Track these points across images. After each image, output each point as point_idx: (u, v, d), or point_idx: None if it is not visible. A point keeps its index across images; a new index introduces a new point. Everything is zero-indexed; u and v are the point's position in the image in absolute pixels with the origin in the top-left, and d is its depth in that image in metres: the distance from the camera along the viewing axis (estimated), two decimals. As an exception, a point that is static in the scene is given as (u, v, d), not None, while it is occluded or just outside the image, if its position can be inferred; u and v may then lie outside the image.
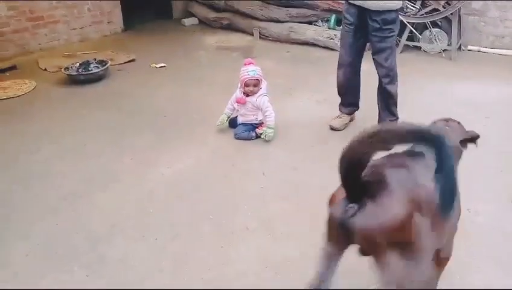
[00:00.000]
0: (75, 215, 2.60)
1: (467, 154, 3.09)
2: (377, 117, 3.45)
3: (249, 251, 2.29)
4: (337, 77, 3.54)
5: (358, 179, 1.33)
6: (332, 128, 3.55)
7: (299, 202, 2.67)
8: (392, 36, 3.16)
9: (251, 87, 3.41)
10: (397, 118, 3.38)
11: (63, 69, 4.84)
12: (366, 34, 3.22)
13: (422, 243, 1.36)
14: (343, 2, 3.35)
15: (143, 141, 3.47)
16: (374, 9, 3.04)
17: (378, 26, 3.08)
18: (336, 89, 3.62)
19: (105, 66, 4.90)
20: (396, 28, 3.17)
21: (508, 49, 5.46)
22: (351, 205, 1.34)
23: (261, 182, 2.89)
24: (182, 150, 3.32)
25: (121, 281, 2.11)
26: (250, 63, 3.46)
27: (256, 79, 3.41)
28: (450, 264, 2.12)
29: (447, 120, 1.88)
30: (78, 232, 2.45)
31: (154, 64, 5.30)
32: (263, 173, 3.00)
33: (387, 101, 3.33)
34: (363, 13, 3.11)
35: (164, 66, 5.28)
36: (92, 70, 4.84)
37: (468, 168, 2.96)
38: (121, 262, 2.24)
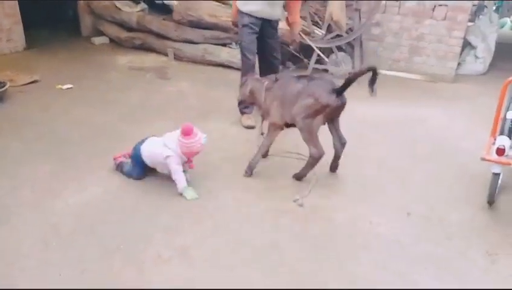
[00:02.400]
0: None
1: (369, 170, 3.37)
2: None
3: (162, 280, 2.22)
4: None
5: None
6: (249, 127, 4.08)
7: (212, 226, 2.67)
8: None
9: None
10: None
11: (-48, 91, 4.37)
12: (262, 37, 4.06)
13: None
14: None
15: (45, 170, 3.22)
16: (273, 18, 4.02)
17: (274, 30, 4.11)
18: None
19: (4, 88, 4.51)
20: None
21: (402, 71, 6.06)
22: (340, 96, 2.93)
23: (174, 209, 2.84)
24: (88, 179, 3.13)
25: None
26: (192, 131, 2.88)
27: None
28: (353, 277, 2.26)
29: None
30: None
31: (60, 86, 5.00)
32: (174, 199, 2.94)
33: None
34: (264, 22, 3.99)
35: (71, 88, 5.00)
36: (-13, 92, 4.43)
37: (370, 184, 3.23)
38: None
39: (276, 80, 3.22)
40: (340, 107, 2.99)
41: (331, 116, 3.05)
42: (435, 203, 3.02)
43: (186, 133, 2.86)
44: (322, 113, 2.95)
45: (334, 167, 3.33)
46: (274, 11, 4.02)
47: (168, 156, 2.91)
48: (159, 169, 3.11)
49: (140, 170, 3.11)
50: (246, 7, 3.92)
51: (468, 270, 2.39)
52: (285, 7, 4.28)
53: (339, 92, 2.91)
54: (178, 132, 2.94)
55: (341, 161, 3.34)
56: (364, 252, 2.50)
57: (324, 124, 3.08)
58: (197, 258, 2.39)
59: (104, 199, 2.91)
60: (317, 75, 3.29)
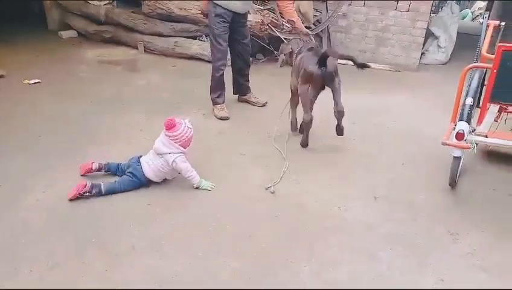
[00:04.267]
0: None
1: (337, 157, 3.49)
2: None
3: (136, 270, 2.26)
4: (223, 66, 4.18)
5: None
6: (223, 118, 4.17)
7: (187, 216, 2.71)
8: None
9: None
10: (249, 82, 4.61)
11: None
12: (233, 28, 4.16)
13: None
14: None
15: (14, 165, 3.18)
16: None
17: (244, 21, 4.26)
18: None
19: (-33, 84, 4.38)
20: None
21: (369, 62, 6.20)
22: (323, 67, 3.27)
23: (147, 199, 2.86)
24: (60, 172, 3.11)
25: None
26: (175, 123, 2.87)
27: None
28: (322, 258, 2.37)
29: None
30: None
31: (26, 81, 4.89)
32: (148, 188, 2.97)
33: (248, 70, 4.53)
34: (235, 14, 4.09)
35: (39, 82, 4.90)
36: (-51, 88, 4.29)
37: (339, 170, 3.34)
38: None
39: (300, 49, 3.66)
40: (325, 76, 3.33)
41: (320, 84, 3.39)
42: (400, 186, 3.16)
43: (170, 126, 2.85)
44: (310, 82, 3.34)
45: (338, 131, 3.62)
46: (244, 5, 4.12)
47: (174, 160, 2.86)
48: (168, 177, 3.02)
49: (131, 188, 2.92)
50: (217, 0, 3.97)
51: (431, 249, 2.52)
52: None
53: (321, 63, 3.26)
54: (161, 136, 2.92)
55: (310, 149, 3.44)
56: (332, 235, 2.61)
57: (317, 92, 3.43)
58: (170, 248, 2.43)
59: (76, 193, 2.89)
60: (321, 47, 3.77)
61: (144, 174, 2.91)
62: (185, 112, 4.27)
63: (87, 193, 2.79)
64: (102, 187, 2.83)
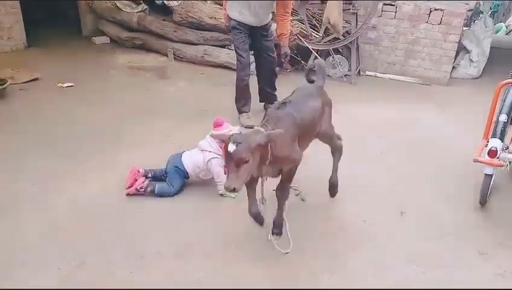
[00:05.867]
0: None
1: (364, 171, 3.44)
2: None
3: (159, 274, 2.29)
4: (246, 76, 4.18)
5: None
6: (249, 127, 3.94)
7: (211, 224, 2.73)
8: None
9: None
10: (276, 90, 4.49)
11: (-47, 88, 4.42)
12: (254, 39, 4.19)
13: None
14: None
15: (46, 165, 3.28)
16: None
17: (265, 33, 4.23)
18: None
19: (5, 85, 4.56)
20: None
21: (398, 74, 6.16)
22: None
23: (173, 204, 2.90)
24: (89, 174, 3.20)
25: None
26: (223, 123, 3.04)
27: None
28: (346, 272, 2.34)
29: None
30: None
31: (60, 84, 5.06)
32: (173, 197, 2.99)
33: (273, 79, 4.47)
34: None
35: (72, 86, 5.06)
36: (-12, 89, 4.48)
37: (365, 183, 3.30)
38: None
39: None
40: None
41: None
42: (428, 203, 3.09)
43: (217, 124, 3.01)
44: None
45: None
46: (258, 19, 4.05)
47: (210, 160, 2.94)
48: (202, 176, 3.06)
49: (181, 182, 3.01)
50: (231, 13, 4.04)
51: (459, 268, 2.46)
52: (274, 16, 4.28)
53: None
54: (208, 136, 3.03)
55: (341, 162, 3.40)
56: (356, 249, 2.57)
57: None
58: (194, 254, 2.45)
59: (103, 195, 2.97)
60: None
61: (183, 165, 3.00)
62: (211, 119, 4.31)
63: (143, 190, 2.92)
64: (156, 186, 2.94)
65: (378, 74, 6.23)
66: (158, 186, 2.95)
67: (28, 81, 5.07)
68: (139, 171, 3.03)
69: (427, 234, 2.75)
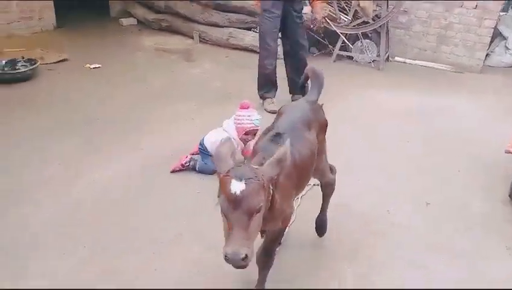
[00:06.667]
0: (-4, 225, 2.47)
1: (389, 160, 3.36)
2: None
3: (181, 258, 2.30)
4: (270, 65, 4.03)
5: None
6: (272, 112, 3.86)
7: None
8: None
9: (250, 136, 3.06)
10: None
11: (-14, 67, 4.55)
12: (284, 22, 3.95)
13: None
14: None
15: (72, 145, 3.35)
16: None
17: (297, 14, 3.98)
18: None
19: (35, 65, 4.66)
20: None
21: (429, 61, 5.94)
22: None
23: (195, 188, 2.91)
24: (114, 156, 3.24)
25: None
26: (248, 107, 3.06)
27: (257, 129, 3.03)
28: (366, 262, 2.31)
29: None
30: (-2, 244, 2.34)
31: (88, 65, 5.13)
32: (198, 178, 3.01)
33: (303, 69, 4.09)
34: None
35: (99, 67, 5.13)
36: (19, 69, 4.59)
37: (390, 172, 3.22)
38: (43, 277, 2.14)
39: None
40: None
41: None
42: (455, 193, 3.00)
43: (242, 106, 3.03)
44: None
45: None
46: None
47: (222, 138, 2.93)
48: None
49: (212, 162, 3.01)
50: None
51: (484, 263, 2.38)
52: None
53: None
54: (234, 116, 3.06)
55: (362, 149, 3.32)
56: (379, 239, 2.52)
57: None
58: (216, 239, 2.41)
59: (127, 176, 3.01)
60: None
61: (203, 143, 3.06)
62: (235, 103, 4.29)
63: (187, 164, 3.03)
64: (197, 163, 3.04)
65: (408, 60, 6.04)
66: (198, 164, 3.04)
67: (56, 62, 5.16)
68: (186, 157, 3.10)
69: (451, 225, 2.67)
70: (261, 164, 1.52)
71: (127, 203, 2.73)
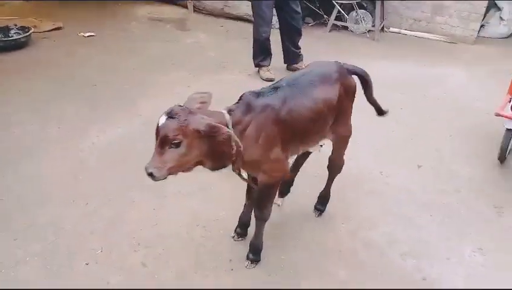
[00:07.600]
0: (2, 184, 2.54)
1: (383, 125, 3.43)
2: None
3: (181, 212, 2.39)
4: (265, 33, 4.03)
5: None
6: (269, 79, 4.00)
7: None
8: None
9: None
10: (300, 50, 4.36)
11: (-22, 34, 4.50)
12: None
13: None
14: None
15: (71, 110, 3.38)
16: None
17: None
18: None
19: (28, 33, 4.62)
20: None
21: (424, 32, 5.96)
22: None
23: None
24: (112, 119, 3.29)
25: (52, 243, 2.13)
26: None
27: None
28: (360, 218, 2.40)
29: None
30: (6, 200, 2.41)
31: (82, 33, 5.09)
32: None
33: (298, 38, 4.29)
34: None
35: (93, 35, 5.09)
36: (12, 36, 4.54)
37: (383, 137, 3.30)
38: (51, 225, 2.25)
39: None
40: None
41: None
42: (446, 158, 3.09)
43: None
44: None
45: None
46: None
47: None
48: None
49: None
50: None
51: (473, 220, 2.49)
52: None
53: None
54: None
55: (357, 115, 3.37)
56: (371, 198, 2.62)
57: None
58: (216, 195, 2.55)
59: (126, 138, 3.07)
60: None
61: None
62: (229, 71, 4.32)
63: None
64: None
65: (403, 31, 6.04)
66: None
67: (50, 30, 5.12)
68: None
69: (442, 186, 2.77)
70: (230, 111, 1.72)
71: (126, 163, 2.80)
